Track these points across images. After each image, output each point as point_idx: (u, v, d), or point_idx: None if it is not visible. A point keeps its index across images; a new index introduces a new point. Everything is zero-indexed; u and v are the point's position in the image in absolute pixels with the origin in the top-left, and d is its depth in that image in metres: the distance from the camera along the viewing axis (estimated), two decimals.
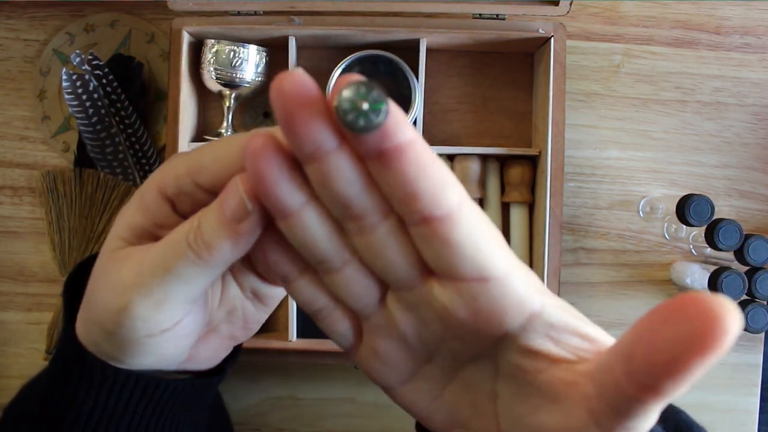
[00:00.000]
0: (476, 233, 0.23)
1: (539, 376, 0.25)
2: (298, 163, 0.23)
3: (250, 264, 0.31)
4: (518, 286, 0.24)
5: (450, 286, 0.24)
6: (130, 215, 0.28)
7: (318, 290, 0.27)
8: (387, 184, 0.23)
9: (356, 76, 0.21)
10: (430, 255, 0.24)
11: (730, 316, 0.18)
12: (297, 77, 0.21)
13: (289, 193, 0.23)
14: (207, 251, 0.25)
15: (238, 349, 0.36)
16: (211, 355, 0.33)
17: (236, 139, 0.26)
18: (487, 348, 0.26)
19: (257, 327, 0.34)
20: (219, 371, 0.34)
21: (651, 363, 0.20)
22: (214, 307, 0.31)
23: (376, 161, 0.22)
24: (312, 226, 0.24)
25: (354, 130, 0.21)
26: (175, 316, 0.28)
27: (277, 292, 0.33)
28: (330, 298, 0.27)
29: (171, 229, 0.27)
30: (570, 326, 0.25)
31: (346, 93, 0.21)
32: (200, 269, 0.26)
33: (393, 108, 0.21)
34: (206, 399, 0.36)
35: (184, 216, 0.28)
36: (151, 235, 0.28)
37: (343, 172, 0.23)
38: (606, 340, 0.25)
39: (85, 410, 0.31)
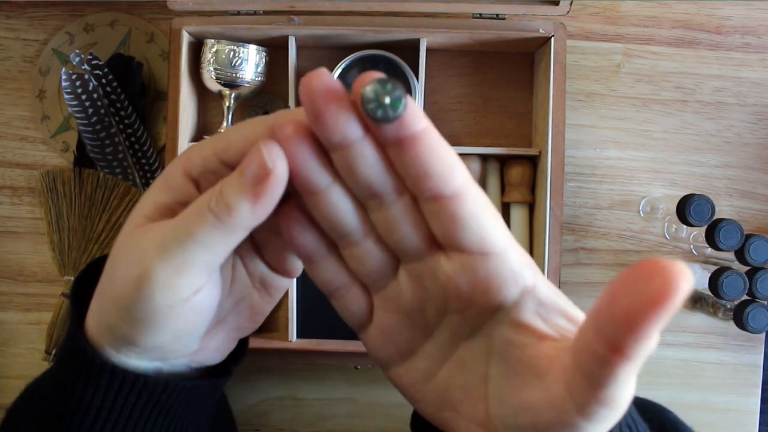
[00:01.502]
0: (479, 211, 0.26)
1: (526, 351, 0.27)
2: (322, 147, 0.26)
3: (260, 252, 0.32)
4: (514, 262, 0.27)
5: (454, 259, 0.27)
6: (154, 194, 0.30)
7: (338, 270, 0.30)
8: (403, 167, 0.26)
9: (377, 74, 0.24)
10: (438, 229, 0.27)
11: (683, 276, 0.20)
12: (324, 76, 0.25)
13: (318, 174, 0.27)
14: (227, 213, 0.27)
15: (243, 350, 0.36)
16: (218, 347, 0.33)
17: (262, 120, 0.28)
18: (483, 323, 0.28)
19: (261, 319, 0.34)
20: (224, 372, 0.35)
21: (614, 320, 0.22)
22: (223, 295, 0.32)
23: (395, 147, 0.25)
24: (337, 202, 0.27)
25: (377, 121, 0.24)
26: (194, 283, 0.28)
27: (283, 283, 0.34)
28: (348, 277, 0.30)
29: None
30: (558, 307, 0.28)
31: (370, 88, 0.24)
32: (220, 233, 0.27)
33: (410, 101, 0.24)
34: (212, 400, 0.36)
35: None
36: (173, 212, 0.29)
37: (367, 158, 0.26)
38: None
39: (92, 412, 0.31)
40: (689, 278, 0.20)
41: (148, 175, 0.62)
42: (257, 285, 0.33)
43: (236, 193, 0.26)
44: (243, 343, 0.36)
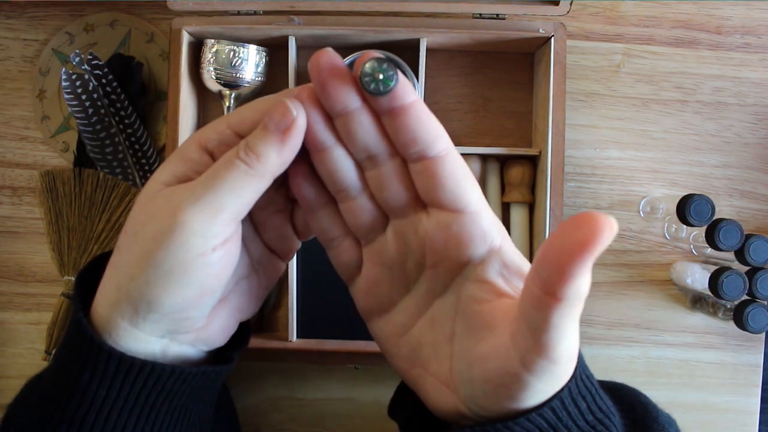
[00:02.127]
0: (457, 173, 0.30)
1: (485, 306, 0.30)
2: (328, 115, 0.31)
3: (259, 233, 0.36)
4: (484, 222, 0.31)
5: (433, 216, 0.31)
6: (172, 165, 0.32)
7: (334, 222, 0.34)
8: (394, 133, 0.30)
9: (375, 53, 0.29)
10: (421, 187, 0.31)
11: (608, 225, 0.23)
12: (330, 55, 0.29)
13: (324, 134, 0.31)
14: (257, 159, 0.30)
15: (244, 338, 0.38)
16: (222, 326, 0.35)
17: (273, 96, 0.32)
18: (453, 278, 0.32)
19: (259, 303, 0.37)
20: (227, 359, 0.36)
21: (547, 264, 0.25)
22: (236, 264, 0.33)
23: (388, 116, 0.30)
24: (339, 160, 0.32)
25: (371, 94, 0.29)
26: (224, 231, 0.30)
27: (279, 265, 0.37)
28: (342, 229, 0.34)
29: None
30: (521, 270, 0.31)
31: (367, 66, 0.29)
32: (250, 179, 0.30)
33: (401, 78, 0.29)
34: (215, 388, 0.37)
35: None
36: (191, 180, 0.31)
37: (364, 124, 0.30)
38: None
39: (98, 400, 0.32)
40: (613, 227, 0.23)
41: (148, 175, 0.62)
42: (256, 266, 0.36)
43: (263, 141, 0.30)
44: (245, 331, 0.38)
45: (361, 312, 0.36)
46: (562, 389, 0.29)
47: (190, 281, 0.30)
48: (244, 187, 0.30)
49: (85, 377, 0.31)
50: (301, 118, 0.30)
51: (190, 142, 0.33)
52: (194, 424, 0.37)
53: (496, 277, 0.31)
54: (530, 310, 0.26)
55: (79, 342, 0.32)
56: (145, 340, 0.32)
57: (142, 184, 0.62)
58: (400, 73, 0.29)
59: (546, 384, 0.28)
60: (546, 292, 0.25)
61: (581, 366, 0.31)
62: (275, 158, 0.30)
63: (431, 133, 0.30)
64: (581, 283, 0.24)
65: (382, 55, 0.29)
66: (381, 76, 0.29)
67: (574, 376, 0.30)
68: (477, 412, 0.30)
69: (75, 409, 0.32)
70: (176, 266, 0.30)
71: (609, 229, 0.23)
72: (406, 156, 0.31)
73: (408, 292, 0.34)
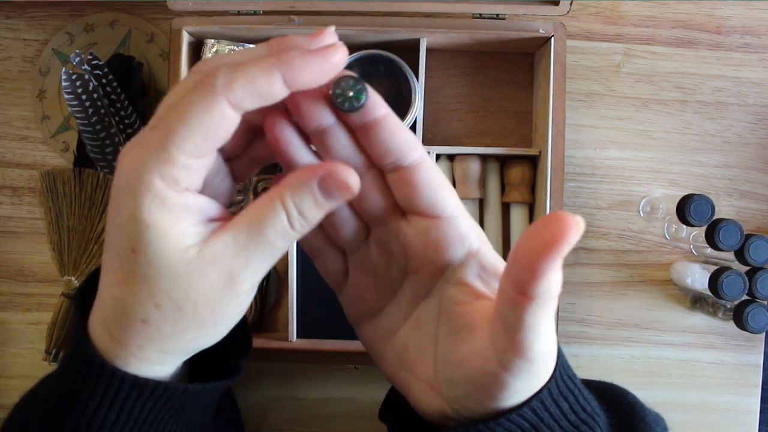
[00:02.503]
0: (433, 180, 0.31)
1: (465, 308, 0.31)
2: (304, 133, 0.31)
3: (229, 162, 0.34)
4: (461, 227, 0.32)
5: (412, 222, 0.32)
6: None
7: (316, 233, 0.35)
8: (369, 146, 0.31)
9: (345, 72, 0.30)
10: (399, 195, 0.32)
11: (575, 224, 0.24)
12: None
13: (301, 152, 0.32)
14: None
15: (248, 346, 0.37)
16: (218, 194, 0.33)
17: (262, 50, 0.30)
18: (435, 282, 0.32)
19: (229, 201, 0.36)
20: (235, 371, 0.36)
21: (518, 264, 0.26)
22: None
23: (361, 131, 0.31)
24: None
25: (344, 111, 0.30)
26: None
27: (230, 193, 0.34)
28: (325, 241, 0.35)
29: None
30: (498, 272, 0.32)
31: (338, 84, 0.30)
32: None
33: (371, 93, 0.30)
34: (216, 397, 0.37)
35: None
36: None
37: (339, 140, 0.31)
38: None
39: (108, 422, 0.31)
40: (580, 226, 0.24)
41: None
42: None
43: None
44: (247, 339, 0.38)
45: (349, 318, 0.37)
46: (542, 390, 0.30)
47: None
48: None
49: (95, 401, 0.31)
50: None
51: None
52: (196, 428, 0.37)
53: (475, 279, 0.32)
54: (505, 310, 0.27)
55: (86, 365, 0.31)
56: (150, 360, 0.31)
57: None
58: (370, 89, 0.30)
59: (524, 383, 0.29)
60: (518, 291, 0.26)
61: (562, 366, 0.31)
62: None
63: (404, 143, 0.31)
64: (551, 281, 0.25)
65: (351, 74, 0.30)
66: (351, 94, 0.30)
67: (554, 377, 0.30)
68: (461, 413, 0.31)
69: (75, 425, 0.31)
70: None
71: (575, 228, 0.24)
72: (382, 167, 0.32)
73: (394, 297, 0.34)
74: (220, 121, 0.28)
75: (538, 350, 0.27)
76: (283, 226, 0.29)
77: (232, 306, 0.30)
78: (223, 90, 0.27)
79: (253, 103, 0.28)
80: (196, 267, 0.29)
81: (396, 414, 0.37)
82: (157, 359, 0.31)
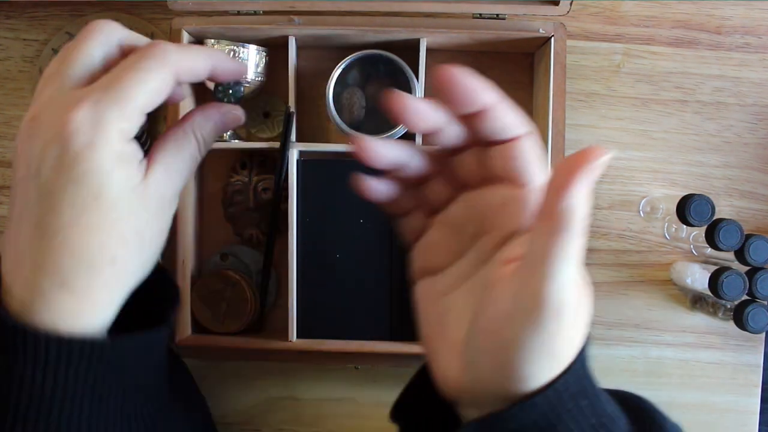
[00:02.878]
0: (530, 154, 0.33)
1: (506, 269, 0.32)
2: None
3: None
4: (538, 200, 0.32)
5: (499, 188, 0.33)
6: None
7: (410, 199, 0.37)
8: (481, 126, 0.32)
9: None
10: (496, 163, 0.33)
11: (598, 150, 0.26)
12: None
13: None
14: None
15: (175, 298, 0.40)
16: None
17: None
18: (499, 249, 0.33)
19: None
20: (163, 321, 0.38)
21: (546, 189, 0.27)
22: None
23: (477, 116, 0.32)
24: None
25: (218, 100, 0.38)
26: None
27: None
28: (416, 203, 0.37)
29: None
30: None
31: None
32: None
33: (473, 82, 0.31)
34: (160, 356, 0.39)
35: None
36: None
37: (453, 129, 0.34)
38: None
39: (37, 391, 0.32)
40: (604, 153, 0.26)
41: None
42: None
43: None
44: (174, 292, 0.40)
45: (413, 272, 0.38)
46: (558, 379, 0.29)
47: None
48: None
49: (28, 370, 0.31)
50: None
51: None
52: (150, 395, 0.38)
53: None
54: (530, 241, 0.28)
55: (6, 333, 0.32)
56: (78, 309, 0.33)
57: None
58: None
59: (537, 341, 0.28)
60: (543, 215, 0.27)
61: (583, 364, 0.31)
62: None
63: (511, 124, 0.32)
64: (574, 201, 0.26)
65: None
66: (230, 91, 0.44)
67: (573, 368, 0.30)
68: (475, 385, 0.31)
69: (21, 406, 0.32)
70: None
71: (599, 152, 0.26)
72: (489, 142, 0.33)
73: (460, 258, 0.36)
74: (167, 85, 0.35)
75: (552, 291, 0.27)
76: (196, 153, 0.38)
77: (166, 228, 0.37)
78: (173, 63, 0.35)
79: (186, 78, 0.36)
80: (145, 199, 0.35)
81: (408, 414, 0.37)
82: (111, 304, 0.34)
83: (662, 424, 0.36)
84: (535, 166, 0.33)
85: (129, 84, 0.33)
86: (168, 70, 0.34)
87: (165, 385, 0.40)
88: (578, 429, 0.30)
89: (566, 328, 0.28)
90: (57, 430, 0.32)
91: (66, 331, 0.32)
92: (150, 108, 0.34)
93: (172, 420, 0.41)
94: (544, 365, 0.29)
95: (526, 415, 0.29)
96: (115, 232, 0.33)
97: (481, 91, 0.31)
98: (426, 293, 0.37)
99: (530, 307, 0.28)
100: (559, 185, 0.26)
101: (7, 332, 0.31)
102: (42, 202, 0.32)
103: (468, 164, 0.35)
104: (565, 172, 0.26)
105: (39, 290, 0.32)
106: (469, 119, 0.32)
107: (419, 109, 0.32)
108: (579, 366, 0.30)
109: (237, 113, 0.42)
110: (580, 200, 0.26)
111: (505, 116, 0.32)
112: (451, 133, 0.34)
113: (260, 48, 0.58)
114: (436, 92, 0.31)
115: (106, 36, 0.36)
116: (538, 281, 0.27)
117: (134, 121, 0.34)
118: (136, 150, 0.35)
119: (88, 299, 0.33)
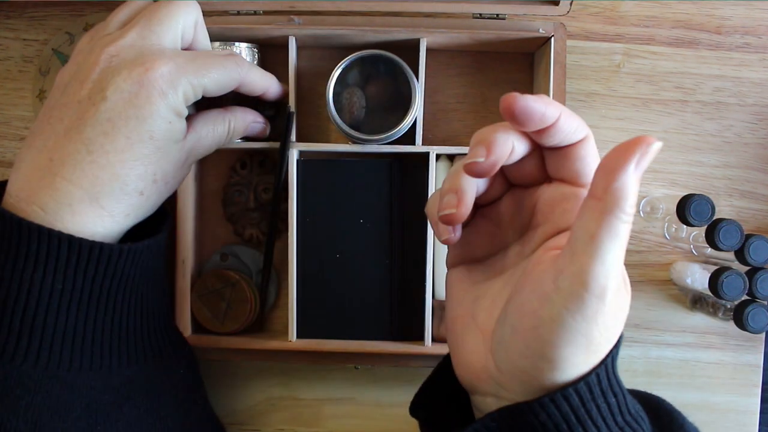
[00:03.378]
0: (589, 156, 0.34)
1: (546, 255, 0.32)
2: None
3: None
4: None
5: (554, 186, 0.34)
6: None
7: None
8: (545, 138, 0.33)
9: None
10: (555, 164, 0.34)
11: (649, 138, 0.27)
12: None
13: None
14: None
15: (165, 212, 0.45)
16: None
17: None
18: (544, 242, 0.33)
19: None
20: (156, 232, 0.43)
21: (596, 172, 0.28)
22: None
23: (539, 133, 0.33)
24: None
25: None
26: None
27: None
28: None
29: None
30: None
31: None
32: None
33: (543, 104, 0.32)
34: (159, 266, 0.44)
35: None
36: None
37: (520, 140, 0.33)
38: None
39: (56, 293, 0.36)
40: (654, 140, 0.27)
41: None
42: None
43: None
44: (161, 209, 0.45)
45: (451, 258, 0.39)
46: (590, 373, 0.29)
47: None
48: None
49: (38, 274, 0.35)
50: None
51: None
52: (152, 309, 0.42)
53: None
54: (578, 222, 0.28)
55: (9, 231, 0.35)
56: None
57: None
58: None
59: (575, 322, 0.28)
60: (594, 195, 0.27)
61: (613, 362, 0.31)
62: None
63: (573, 130, 0.33)
64: (628, 182, 0.27)
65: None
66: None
67: (605, 364, 0.29)
68: (502, 367, 0.31)
69: (35, 309, 0.35)
70: None
71: (651, 140, 0.27)
72: (551, 147, 0.34)
73: (502, 252, 0.36)
74: (231, 84, 0.45)
75: (599, 272, 0.27)
76: (224, 136, 0.47)
77: (181, 181, 0.45)
78: (245, 73, 0.46)
79: (245, 89, 0.48)
80: (180, 153, 0.42)
81: (428, 409, 0.37)
82: (126, 225, 0.40)
83: (683, 424, 0.36)
84: (592, 169, 0.33)
85: (209, 67, 0.42)
86: (239, 75, 0.45)
87: (164, 309, 0.46)
88: (605, 427, 0.30)
89: (605, 313, 0.28)
90: (63, 335, 0.36)
91: (88, 236, 0.36)
92: (210, 93, 0.43)
93: (171, 368, 0.46)
94: (579, 351, 0.28)
95: (558, 406, 0.29)
96: (152, 169, 0.40)
97: (550, 111, 0.31)
98: (461, 280, 0.37)
99: (573, 286, 0.27)
100: (612, 167, 0.27)
101: (31, 235, 0.35)
102: (99, 125, 0.37)
103: (526, 166, 0.35)
104: (618, 155, 0.27)
105: (68, 199, 0.37)
106: (536, 132, 0.33)
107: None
108: (610, 362, 0.30)
109: (265, 127, 0.52)
110: (632, 182, 0.27)
111: (570, 125, 0.32)
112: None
113: (251, 46, 0.58)
114: (508, 121, 0.32)
115: (191, 14, 0.43)
116: (585, 260, 0.27)
117: (198, 93, 0.42)
118: (185, 114, 0.42)
119: (111, 217, 0.38)
